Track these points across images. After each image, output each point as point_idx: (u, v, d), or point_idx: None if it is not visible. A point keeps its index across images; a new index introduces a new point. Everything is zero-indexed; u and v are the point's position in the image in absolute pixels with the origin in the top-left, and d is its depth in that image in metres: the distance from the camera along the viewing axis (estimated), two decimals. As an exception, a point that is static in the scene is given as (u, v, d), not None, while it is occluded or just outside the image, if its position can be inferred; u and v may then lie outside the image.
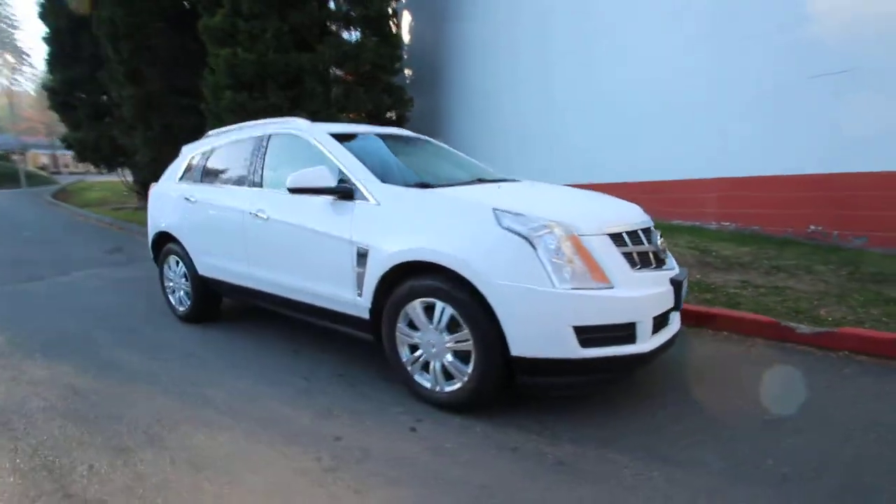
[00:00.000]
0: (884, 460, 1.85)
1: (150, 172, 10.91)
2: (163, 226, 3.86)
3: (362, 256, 2.46)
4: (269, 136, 3.22)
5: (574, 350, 2.00)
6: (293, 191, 2.62)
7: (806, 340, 2.95)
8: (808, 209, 5.07)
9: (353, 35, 8.48)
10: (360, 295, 2.52)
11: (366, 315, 2.53)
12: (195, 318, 3.77)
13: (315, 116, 7.84)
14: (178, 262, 3.80)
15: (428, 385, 2.35)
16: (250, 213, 3.06)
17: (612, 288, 2.05)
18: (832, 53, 4.68)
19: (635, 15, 6.39)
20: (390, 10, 8.63)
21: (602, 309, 2.02)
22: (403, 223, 2.35)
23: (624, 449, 1.97)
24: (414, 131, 3.99)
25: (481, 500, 1.70)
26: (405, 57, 9.41)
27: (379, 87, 8.63)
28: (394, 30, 8.73)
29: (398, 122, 9.15)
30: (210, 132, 4.00)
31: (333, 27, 8.26)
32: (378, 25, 8.42)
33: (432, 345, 2.29)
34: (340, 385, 2.67)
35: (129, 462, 1.98)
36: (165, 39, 9.43)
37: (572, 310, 1.99)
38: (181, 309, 3.86)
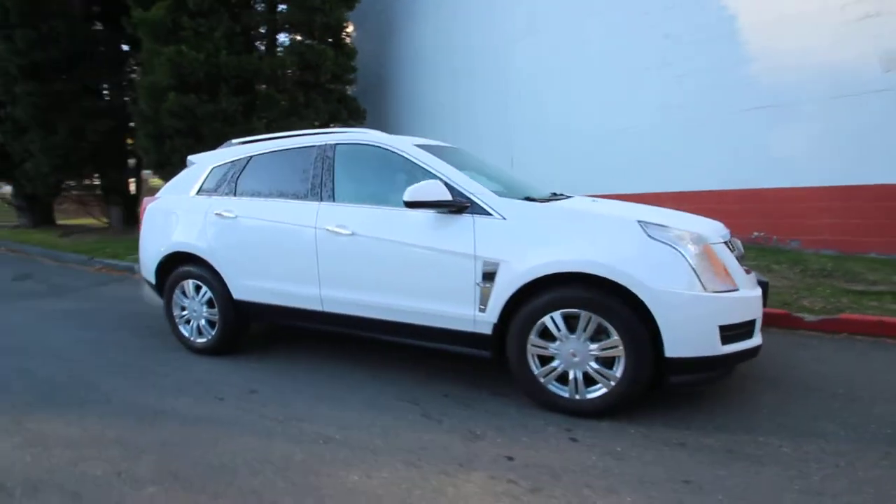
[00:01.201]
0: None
1: (46, 184, 9.17)
2: (177, 246, 3.34)
3: (489, 271, 2.43)
4: (334, 146, 3.01)
5: (717, 347, 2.22)
6: (410, 205, 2.50)
7: (813, 327, 3.55)
8: (749, 218, 6.03)
9: (308, 43, 8.09)
10: (482, 310, 2.48)
11: (487, 330, 2.50)
12: (220, 349, 3.33)
13: (271, 125, 7.32)
14: (198, 287, 3.32)
15: (565, 394, 2.39)
16: (326, 230, 2.82)
17: (737, 290, 2.31)
18: (761, 91, 5.68)
19: (587, 43, 7.06)
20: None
21: (737, 308, 2.27)
22: (541, 237, 2.38)
23: (767, 432, 2.21)
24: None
25: (698, 493, 1.81)
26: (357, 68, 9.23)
27: (334, 97, 8.34)
28: (348, 39, 8.53)
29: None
30: (232, 141, 3.58)
31: (288, 33, 7.80)
32: (335, 34, 8.15)
33: (573, 354, 2.34)
34: (455, 405, 2.57)
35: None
36: (73, 30, 8.03)
37: (718, 311, 2.21)
38: (200, 340, 3.37)
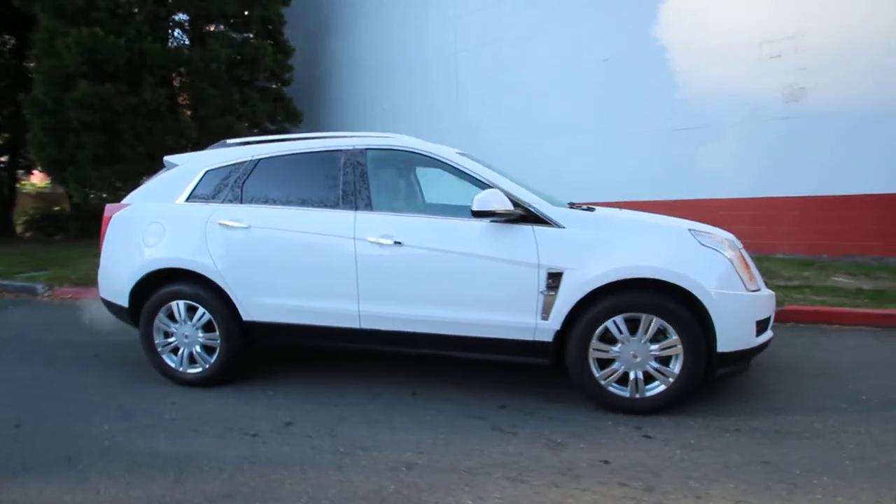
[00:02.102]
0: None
1: None
2: (166, 262, 2.86)
3: (553, 280, 2.47)
4: (363, 151, 2.82)
5: (753, 340, 2.50)
6: (477, 214, 2.44)
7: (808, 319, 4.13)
8: (679, 224, 6.84)
9: (246, 36, 7.39)
10: (544, 318, 2.50)
11: (548, 338, 2.53)
12: (218, 379, 2.91)
13: (205, 123, 6.58)
14: (192, 309, 2.88)
15: (625, 394, 2.51)
16: (368, 241, 2.63)
17: (760, 289, 2.64)
18: (688, 113, 6.51)
19: (535, 60, 7.49)
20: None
21: (765, 305, 2.59)
22: (602, 245, 2.48)
23: (792, 411, 2.53)
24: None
25: (778, 470, 2.01)
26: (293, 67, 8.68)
27: (271, 96, 7.76)
28: (284, 36, 7.98)
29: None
30: (227, 141, 3.16)
31: (222, 24, 7.04)
32: (273, 29, 7.57)
33: (634, 355, 2.47)
34: (518, 416, 2.56)
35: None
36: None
37: (754, 308, 2.50)
38: (193, 371, 2.93)
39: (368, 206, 2.72)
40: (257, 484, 1.99)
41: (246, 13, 6.98)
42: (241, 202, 2.88)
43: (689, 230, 2.51)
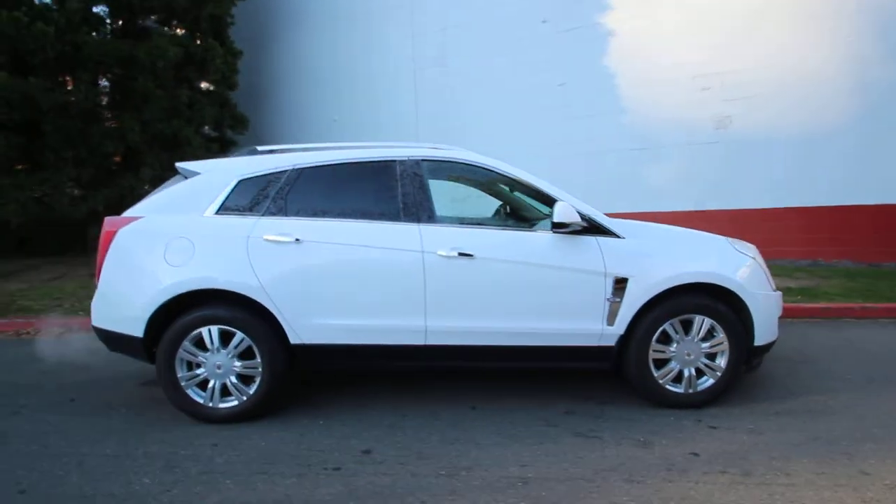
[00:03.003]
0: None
1: None
2: (199, 282, 2.51)
3: (619, 287, 2.61)
4: (418, 162, 2.75)
5: (775, 334, 2.87)
6: (557, 226, 2.50)
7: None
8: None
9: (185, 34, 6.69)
10: (610, 324, 2.64)
11: (612, 343, 2.67)
12: (256, 411, 2.62)
13: (148, 127, 5.85)
14: (227, 335, 2.55)
15: (679, 390, 2.72)
16: (437, 254, 2.56)
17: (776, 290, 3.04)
18: (636, 135, 7.24)
19: (496, 80, 7.82)
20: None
21: (781, 303, 2.97)
22: (658, 253, 2.69)
23: (807, 392, 2.91)
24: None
25: (834, 443, 2.31)
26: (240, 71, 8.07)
27: (217, 101, 7.15)
28: (231, 38, 7.41)
29: (229, 145, 7.71)
30: (257, 148, 2.87)
31: (167, 21, 6.30)
32: (219, 29, 6.98)
33: (688, 354, 2.69)
34: (588, 420, 2.64)
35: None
36: None
37: (778, 306, 2.87)
38: (227, 405, 2.61)
39: (431, 219, 2.66)
40: (376, 519, 1.83)
41: (197, 9, 6.36)
42: (286, 215, 2.63)
43: (727, 239, 2.83)
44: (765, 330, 2.75)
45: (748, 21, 6.42)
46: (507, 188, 2.99)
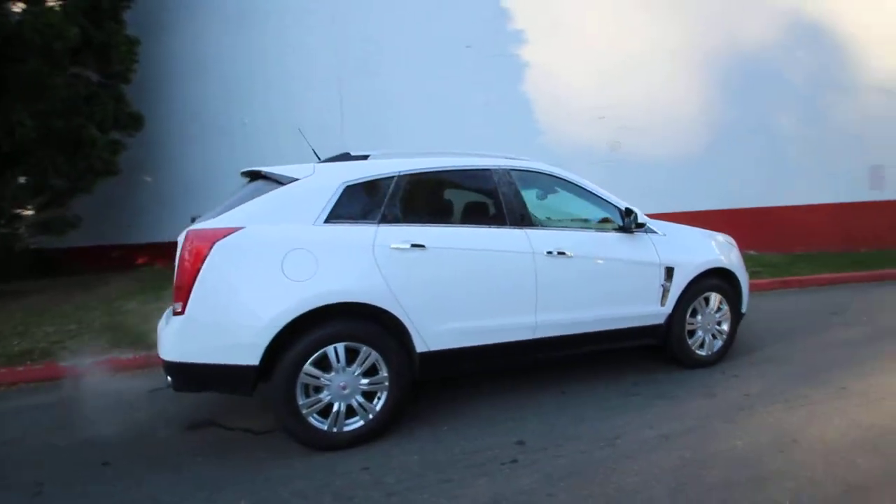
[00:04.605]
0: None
1: None
2: (330, 296, 2.30)
3: (668, 274, 3.23)
4: (508, 171, 2.96)
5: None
6: (639, 226, 2.98)
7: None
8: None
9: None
10: (662, 305, 3.23)
11: (662, 321, 3.27)
12: (380, 430, 2.51)
13: (48, 122, 4.60)
14: (352, 352, 2.39)
15: (703, 353, 3.45)
16: (545, 254, 2.81)
17: (733, 270, 4.04)
18: (550, 155, 8.32)
19: (427, 95, 8.14)
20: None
21: (741, 280, 3.98)
22: (688, 247, 3.39)
23: (775, 343, 3.95)
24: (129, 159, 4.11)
25: (822, 374, 3.26)
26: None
27: (111, 96, 5.95)
28: (126, 23, 6.20)
29: (118, 146, 6.44)
30: (350, 153, 2.68)
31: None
32: (115, 12, 5.77)
33: (707, 323, 3.45)
34: (655, 385, 3.17)
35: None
36: None
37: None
38: (352, 427, 2.46)
39: (530, 223, 2.90)
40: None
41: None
42: (402, 222, 2.57)
43: (722, 235, 3.69)
44: (746, 300, 3.68)
45: (635, 66, 8.03)
46: (573, 194, 3.37)
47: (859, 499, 1.96)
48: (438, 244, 2.60)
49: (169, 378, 2.33)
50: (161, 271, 7.28)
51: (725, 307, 3.51)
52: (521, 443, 2.46)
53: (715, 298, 3.45)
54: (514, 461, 2.29)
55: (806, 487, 2.03)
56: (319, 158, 3.07)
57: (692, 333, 3.41)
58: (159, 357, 2.35)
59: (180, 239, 2.70)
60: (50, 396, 3.36)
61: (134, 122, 6.32)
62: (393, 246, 2.49)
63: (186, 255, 2.23)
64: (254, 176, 2.75)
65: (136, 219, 8.05)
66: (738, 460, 2.26)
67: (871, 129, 8.25)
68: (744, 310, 3.66)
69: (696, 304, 3.37)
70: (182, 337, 2.21)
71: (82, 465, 2.36)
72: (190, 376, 2.26)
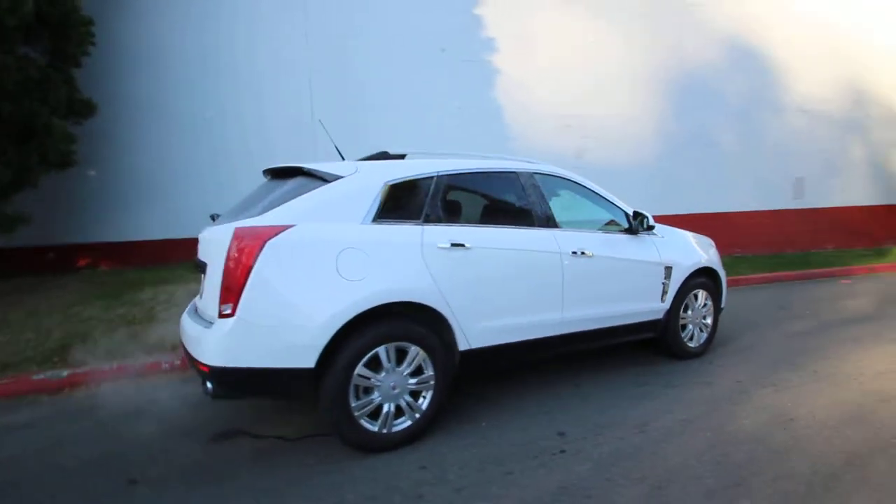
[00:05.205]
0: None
1: None
2: (387, 295, 2.30)
3: (668, 272, 3.51)
4: (532, 174, 3.09)
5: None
6: (649, 228, 3.21)
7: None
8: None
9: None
10: (662, 301, 3.51)
11: (661, 316, 3.54)
12: (423, 429, 2.54)
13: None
14: (402, 352, 2.39)
15: (693, 346, 3.78)
16: (571, 254, 2.96)
17: (708, 270, 4.46)
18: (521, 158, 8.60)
19: (394, 98, 8.10)
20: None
21: (716, 279, 4.40)
22: (681, 247, 3.69)
23: (759, 329, 4.39)
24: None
25: (802, 356, 3.70)
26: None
27: (63, 80, 5.38)
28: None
29: (68, 136, 5.83)
30: (387, 152, 2.64)
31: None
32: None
33: (695, 317, 3.78)
34: (656, 377, 3.42)
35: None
36: None
37: (721, 280, 4.26)
38: (399, 428, 2.46)
39: (555, 224, 3.03)
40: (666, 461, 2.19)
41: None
42: (443, 222, 2.60)
43: (702, 236, 4.05)
44: (725, 296, 4.07)
45: (600, 80, 8.53)
46: (584, 197, 3.53)
47: (861, 465, 2.27)
48: (479, 244, 2.66)
49: (208, 385, 2.19)
50: (109, 274, 6.67)
51: (710, 303, 3.86)
52: (561, 434, 2.58)
53: (702, 295, 3.80)
54: (563, 451, 2.40)
55: (816, 458, 2.32)
56: (343, 156, 3.03)
57: (684, 327, 3.72)
58: (197, 363, 2.20)
59: (206, 237, 2.56)
60: (37, 412, 3.00)
61: (87, 109, 5.73)
62: (439, 245, 2.52)
63: (236, 254, 2.11)
64: (287, 173, 2.65)
65: (76, 216, 7.28)
66: (752, 439, 2.52)
67: (794, 144, 9.38)
68: (723, 305, 4.05)
69: (689, 300, 3.69)
70: (233, 340, 2.09)
71: (105, 485, 2.16)
72: (239, 382, 2.14)
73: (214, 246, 2.31)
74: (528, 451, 2.39)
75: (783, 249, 9.10)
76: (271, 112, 7.67)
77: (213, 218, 2.80)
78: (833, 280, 7.35)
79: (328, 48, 7.88)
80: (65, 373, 3.30)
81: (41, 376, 3.24)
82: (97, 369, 3.42)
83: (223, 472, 2.25)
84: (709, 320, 3.88)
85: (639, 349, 3.89)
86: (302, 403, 2.90)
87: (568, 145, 8.60)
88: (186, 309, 2.79)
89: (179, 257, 7.47)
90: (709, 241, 4.12)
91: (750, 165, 9.30)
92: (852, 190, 9.82)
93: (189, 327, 2.43)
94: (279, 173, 2.77)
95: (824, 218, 9.61)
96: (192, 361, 2.36)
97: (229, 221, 2.43)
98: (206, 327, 2.25)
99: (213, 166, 7.40)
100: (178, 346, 3.75)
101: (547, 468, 2.24)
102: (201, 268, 2.52)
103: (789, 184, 9.35)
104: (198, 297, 2.80)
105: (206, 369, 2.14)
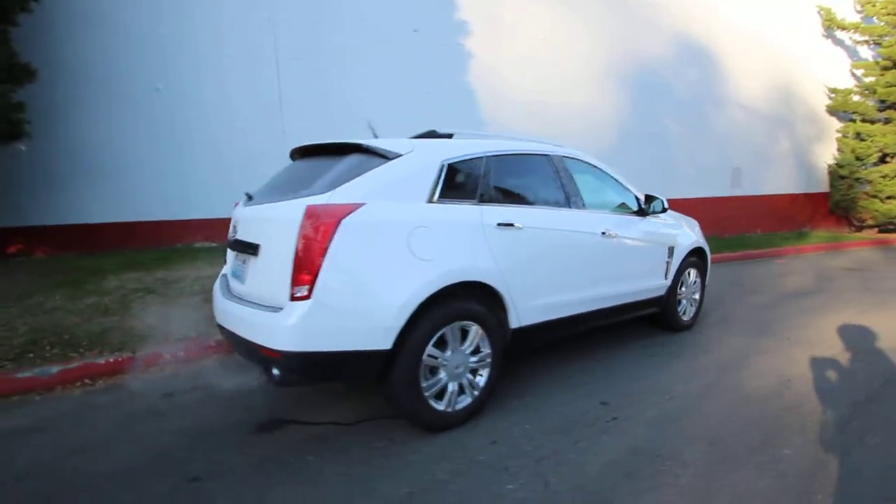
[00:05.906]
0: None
1: None
2: (458, 274, 2.30)
3: (670, 251, 3.79)
4: (562, 157, 3.17)
5: (701, 277, 4.68)
6: (662, 211, 3.46)
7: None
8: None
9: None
10: (665, 279, 3.79)
11: (663, 292, 3.83)
12: (480, 407, 2.58)
13: None
14: (464, 331, 2.41)
15: (686, 319, 4.12)
16: (600, 234, 3.09)
17: (689, 250, 4.85)
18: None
19: (361, 79, 7.83)
20: None
21: (697, 258, 4.80)
22: (679, 229, 3.98)
23: (730, 305, 4.84)
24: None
25: (789, 328, 4.15)
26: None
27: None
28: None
29: (14, 103, 5.05)
30: (436, 131, 2.58)
31: None
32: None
33: (688, 294, 4.12)
34: (664, 345, 3.70)
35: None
36: None
37: (703, 259, 4.66)
38: (462, 406, 2.47)
39: (583, 206, 3.15)
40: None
41: None
42: (494, 202, 2.61)
43: (690, 217, 4.39)
44: (709, 274, 4.47)
45: (563, 69, 8.78)
46: (600, 180, 3.67)
47: (868, 409, 2.64)
48: (529, 224, 2.71)
49: (275, 372, 2.07)
50: (50, 261, 5.94)
51: (699, 280, 4.23)
52: (605, 403, 2.74)
53: (693, 273, 4.14)
54: (615, 418, 2.55)
55: (823, 407, 2.66)
56: (376, 134, 2.93)
57: (679, 303, 4.04)
58: (263, 349, 2.06)
59: (255, 215, 2.40)
60: (37, 414, 2.63)
61: (25, 74, 4.97)
62: (497, 225, 2.53)
63: (311, 233, 1.99)
64: (333, 150, 2.50)
65: (6, 196, 6.34)
66: (766, 397, 2.83)
67: (734, 137, 10.31)
68: (707, 280, 4.44)
69: (684, 277, 4.01)
70: (310, 323, 1.98)
71: (162, 486, 1.98)
72: (313, 367, 2.04)
73: (274, 225, 2.16)
74: (584, 420, 2.52)
75: (722, 233, 10.04)
76: (234, 92, 7.11)
77: (250, 197, 2.60)
78: (769, 260, 8.26)
79: (295, 28, 7.40)
80: (55, 369, 2.93)
81: (27, 374, 2.86)
82: (91, 364, 3.07)
83: (288, 460, 2.15)
84: (697, 296, 4.25)
85: (632, 325, 4.17)
86: (346, 389, 2.83)
87: (533, 131, 8.81)
88: (218, 291, 2.59)
89: (136, 243, 6.80)
90: (694, 222, 4.48)
91: (695, 155, 10.10)
92: (780, 179, 11.02)
93: (240, 311, 2.27)
94: (317, 150, 2.62)
95: (758, 205, 10.72)
96: (245, 348, 2.21)
97: (278, 200, 2.29)
98: (269, 311, 2.11)
99: (172, 147, 6.75)
100: (187, 337, 3.48)
101: (609, 434, 2.38)
102: (245, 248, 2.35)
103: (728, 173, 10.30)
104: (230, 277, 2.62)
105: (276, 355, 2.02)
